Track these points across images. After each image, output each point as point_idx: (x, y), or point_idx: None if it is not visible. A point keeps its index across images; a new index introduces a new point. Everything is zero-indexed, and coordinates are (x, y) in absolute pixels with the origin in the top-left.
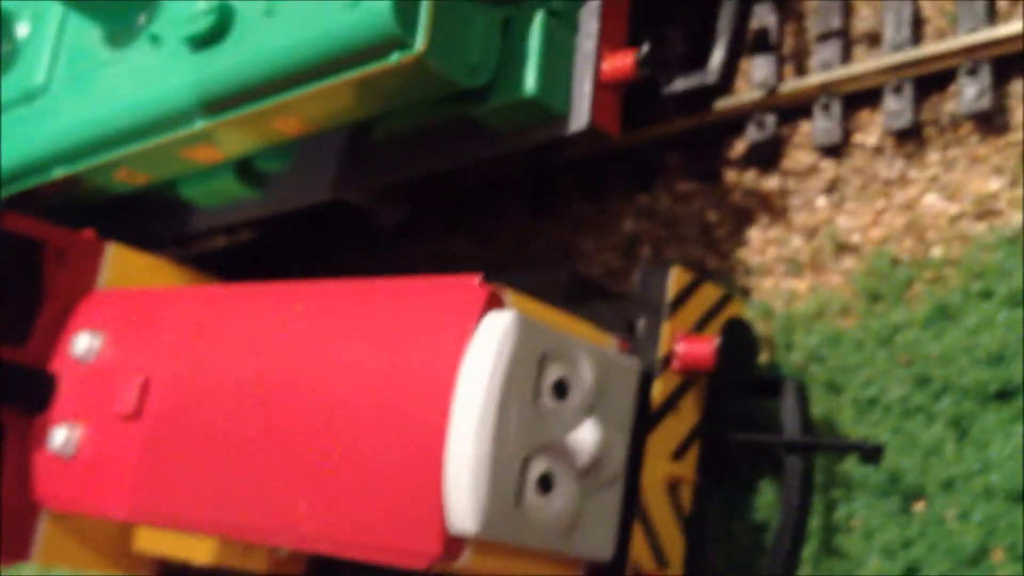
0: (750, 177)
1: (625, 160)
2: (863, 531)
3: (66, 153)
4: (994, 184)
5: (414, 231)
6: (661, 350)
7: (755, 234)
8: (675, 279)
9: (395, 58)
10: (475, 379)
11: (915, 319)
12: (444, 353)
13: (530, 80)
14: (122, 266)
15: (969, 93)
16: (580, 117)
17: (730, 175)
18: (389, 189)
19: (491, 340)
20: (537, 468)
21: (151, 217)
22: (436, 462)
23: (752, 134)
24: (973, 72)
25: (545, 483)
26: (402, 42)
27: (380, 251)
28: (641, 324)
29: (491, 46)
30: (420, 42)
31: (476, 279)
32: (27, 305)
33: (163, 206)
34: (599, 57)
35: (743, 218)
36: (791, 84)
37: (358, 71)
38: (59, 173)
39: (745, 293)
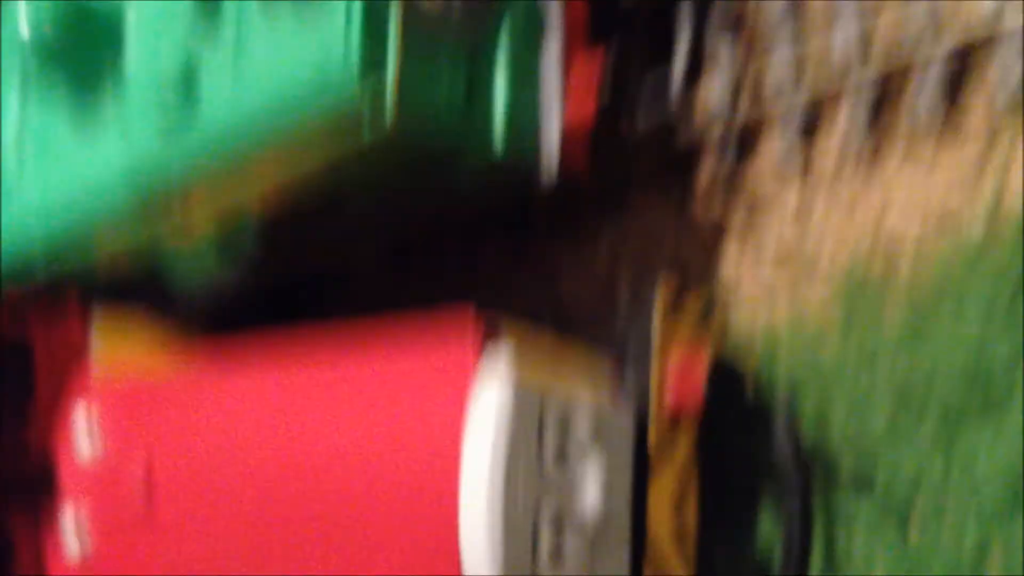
0: (717, 204)
1: (594, 191)
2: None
3: (44, 244)
4: (955, 198)
5: (393, 278)
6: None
7: (727, 260)
8: (661, 296)
9: (364, 121)
10: (478, 461)
11: (891, 338)
12: (446, 425)
13: (498, 133)
14: (110, 332)
15: (923, 104)
16: (550, 164)
17: (698, 203)
18: (364, 255)
19: (489, 420)
20: (547, 535)
21: (136, 299)
22: (452, 547)
23: (716, 159)
24: (925, 83)
25: (556, 550)
26: (369, 101)
27: (360, 302)
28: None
29: (456, 100)
30: (388, 104)
31: (469, 319)
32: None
33: (147, 287)
34: (564, 102)
35: (714, 246)
36: (748, 110)
37: (328, 131)
38: (37, 260)
39: (723, 321)
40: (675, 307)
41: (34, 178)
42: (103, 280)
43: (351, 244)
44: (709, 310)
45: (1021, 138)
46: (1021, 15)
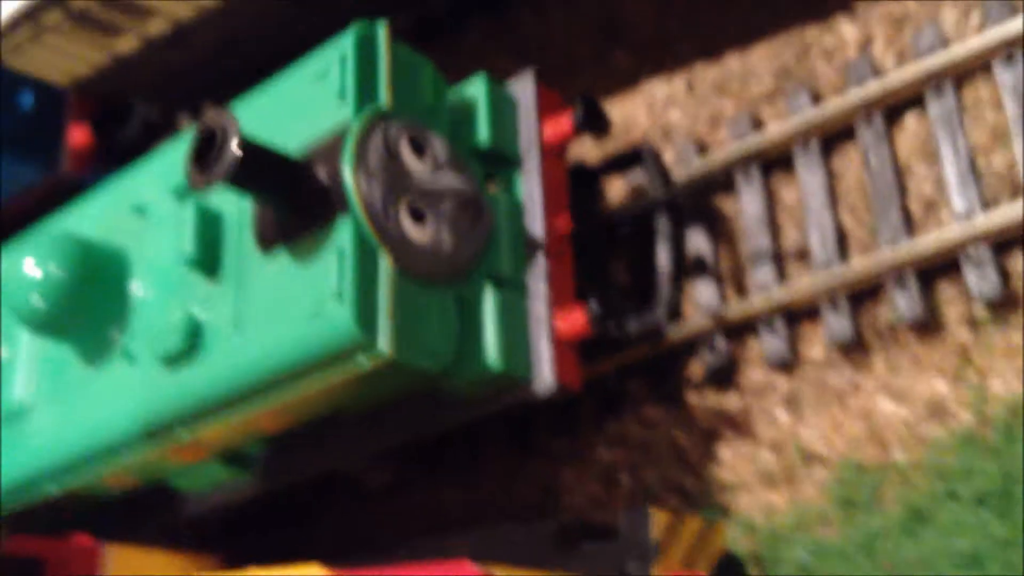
0: (711, 397)
1: (590, 391)
2: None
3: (54, 471)
4: (940, 386)
5: (400, 485)
6: None
7: (725, 452)
8: (656, 522)
9: (362, 361)
10: None
11: (891, 525)
12: None
13: (491, 354)
14: (121, 567)
15: (901, 303)
16: (544, 380)
17: (692, 397)
18: (368, 459)
19: None
20: None
21: (144, 507)
22: None
23: (706, 356)
24: (901, 282)
25: None
26: (366, 346)
27: (370, 507)
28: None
29: (449, 328)
30: (384, 344)
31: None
32: None
33: (155, 495)
34: (552, 317)
35: (711, 437)
36: (735, 307)
37: (327, 376)
38: (49, 490)
39: (725, 511)
40: (672, 530)
41: (44, 406)
42: (112, 495)
43: (351, 452)
44: (707, 530)
45: (1004, 329)
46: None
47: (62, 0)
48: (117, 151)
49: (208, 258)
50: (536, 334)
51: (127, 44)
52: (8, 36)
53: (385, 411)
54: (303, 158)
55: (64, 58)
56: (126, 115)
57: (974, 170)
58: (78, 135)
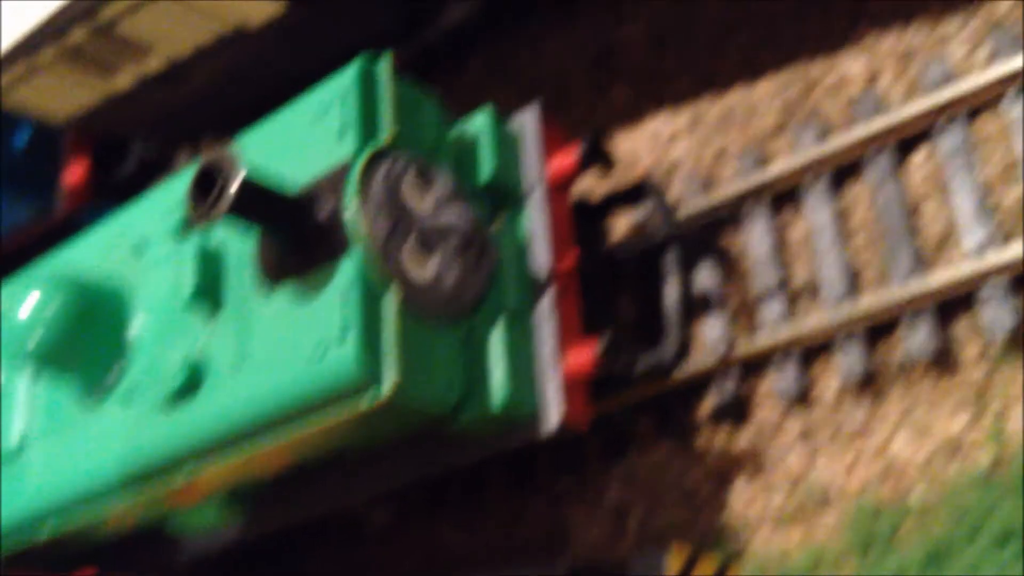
0: (721, 436)
1: (597, 429)
2: None
3: (51, 512)
4: (957, 424)
5: (402, 524)
6: None
7: (737, 492)
8: (670, 564)
9: (366, 403)
10: None
11: (909, 567)
12: None
13: (497, 393)
14: None
15: (915, 340)
16: (551, 418)
17: (701, 436)
18: (370, 499)
19: None
20: None
21: (142, 549)
22: None
23: (716, 394)
24: (914, 319)
25: None
26: (371, 386)
27: (369, 547)
28: None
29: (455, 366)
30: (389, 385)
31: None
32: None
33: (153, 538)
34: (559, 355)
35: (722, 477)
36: (744, 344)
37: (331, 417)
38: (46, 532)
39: (738, 553)
40: (686, 572)
41: (41, 446)
42: (109, 537)
43: (351, 493)
44: (722, 572)
45: (1021, 365)
46: (1004, 251)
47: (56, 37)
48: (113, 189)
49: (208, 296)
50: (543, 371)
51: (123, 82)
52: (1, 75)
53: (387, 451)
54: (306, 195)
55: (59, 96)
56: (122, 153)
57: (986, 205)
58: (74, 173)
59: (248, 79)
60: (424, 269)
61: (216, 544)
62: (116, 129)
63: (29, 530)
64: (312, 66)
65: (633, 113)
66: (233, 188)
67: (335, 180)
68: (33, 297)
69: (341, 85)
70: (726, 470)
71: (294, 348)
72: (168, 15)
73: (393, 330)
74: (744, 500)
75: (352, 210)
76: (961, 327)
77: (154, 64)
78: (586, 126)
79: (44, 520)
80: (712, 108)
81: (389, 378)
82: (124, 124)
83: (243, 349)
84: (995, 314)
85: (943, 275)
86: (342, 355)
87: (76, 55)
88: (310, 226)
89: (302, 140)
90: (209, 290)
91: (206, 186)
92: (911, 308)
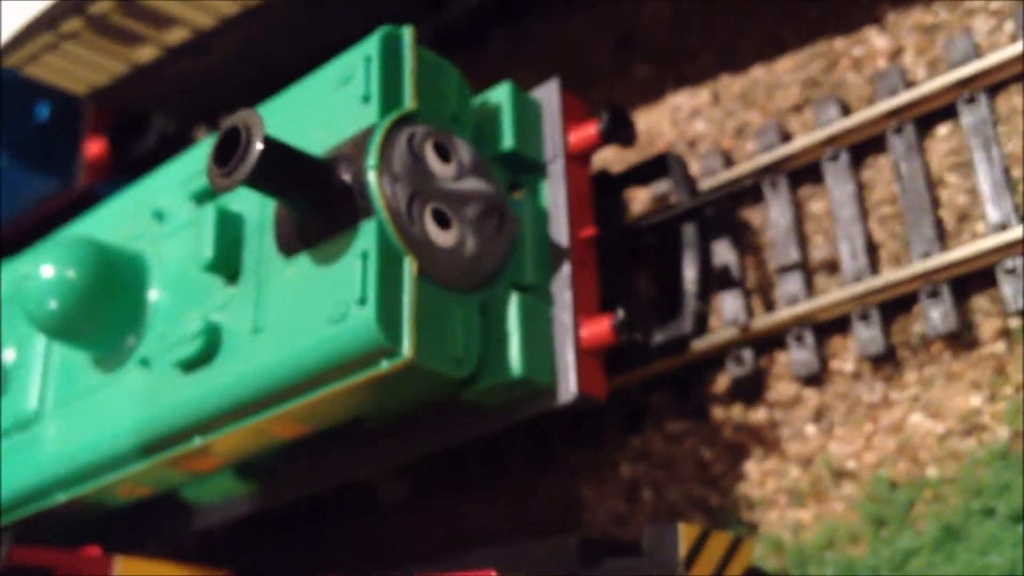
0: (737, 411)
1: (613, 404)
2: None
3: (64, 478)
4: (975, 400)
5: (419, 497)
6: None
7: (752, 467)
8: (684, 537)
9: (384, 366)
10: None
11: (923, 543)
12: None
13: (515, 361)
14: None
15: (935, 315)
16: (567, 388)
17: (717, 411)
18: (387, 470)
19: None
20: None
21: (155, 518)
22: None
23: (732, 370)
24: (934, 294)
25: None
26: (389, 350)
27: (386, 520)
28: None
29: (473, 334)
30: (407, 348)
31: None
32: None
33: (166, 507)
34: (577, 325)
35: (737, 453)
36: (762, 319)
37: (348, 380)
38: (59, 498)
39: (752, 528)
40: (699, 547)
41: (56, 412)
42: (122, 505)
43: (369, 464)
44: (734, 547)
45: None
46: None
47: (82, 7)
48: (134, 164)
49: (228, 262)
50: (561, 342)
51: (146, 53)
52: (26, 43)
53: (405, 422)
54: (328, 159)
55: (82, 67)
56: (143, 127)
57: (1009, 180)
58: (94, 147)
59: (270, 53)
60: (444, 236)
61: (229, 515)
62: (138, 102)
63: (41, 498)
64: (333, 42)
65: (654, 90)
66: (257, 148)
67: (357, 145)
68: (53, 261)
69: (365, 52)
70: (741, 445)
71: (314, 311)
72: None
73: (412, 295)
74: (759, 475)
75: (373, 175)
76: (981, 303)
77: (178, 35)
78: (612, 101)
79: (56, 488)
80: (734, 84)
81: (407, 341)
82: (146, 97)
83: (261, 314)
84: (1016, 290)
85: (964, 250)
86: (362, 316)
87: (101, 25)
88: (331, 190)
89: (325, 106)
90: (227, 256)
91: (229, 148)
92: (931, 283)
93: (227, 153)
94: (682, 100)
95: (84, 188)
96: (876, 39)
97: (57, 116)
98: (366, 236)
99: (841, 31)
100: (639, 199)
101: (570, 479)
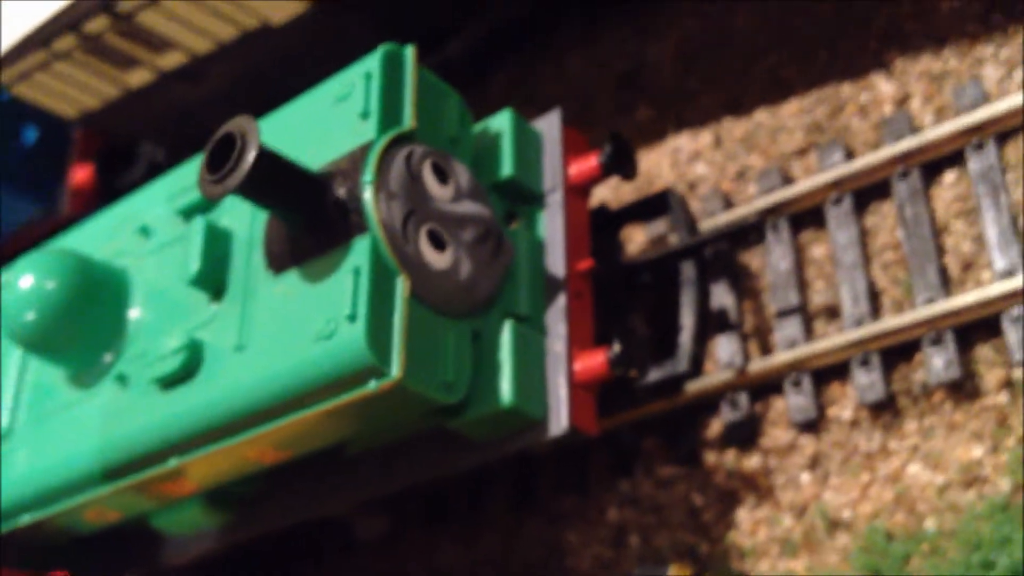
0: (730, 457)
1: (602, 446)
2: None
3: (31, 499)
4: (976, 451)
5: (395, 537)
6: None
7: (743, 515)
8: None
9: (372, 386)
10: None
11: None
12: None
13: (506, 391)
14: None
15: (937, 363)
16: (559, 422)
17: (710, 456)
18: (367, 503)
19: None
20: None
21: (125, 550)
22: None
23: (726, 414)
24: (937, 342)
25: None
26: (378, 370)
27: (361, 558)
28: None
29: (464, 360)
30: (396, 369)
31: None
32: None
33: (136, 539)
34: (571, 358)
35: (729, 500)
36: (758, 363)
37: (335, 401)
38: (25, 520)
39: None
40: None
41: (27, 429)
42: (93, 530)
43: (351, 495)
44: (724, 566)
45: None
46: None
47: (76, 24)
48: (120, 192)
49: (214, 277)
50: (554, 374)
51: (140, 77)
52: (18, 61)
53: (388, 452)
54: (324, 174)
55: (74, 88)
56: (132, 156)
57: (1016, 228)
58: (81, 174)
59: (266, 80)
60: (439, 257)
61: (199, 548)
62: (128, 129)
63: (9, 517)
64: (331, 72)
65: (655, 131)
66: (250, 156)
67: (354, 161)
68: (30, 275)
69: (365, 69)
70: (733, 492)
71: (301, 329)
72: (191, 8)
73: (403, 315)
74: (750, 524)
75: (369, 191)
76: (984, 352)
77: (173, 60)
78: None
79: (26, 507)
80: (737, 127)
81: (397, 361)
82: (137, 124)
83: (247, 331)
84: (1020, 338)
85: (969, 297)
86: (352, 333)
87: (95, 46)
88: (325, 204)
89: (323, 122)
90: (214, 271)
91: (223, 155)
92: (934, 330)
93: (220, 160)
94: (683, 142)
95: (68, 215)
96: (883, 85)
97: (44, 141)
98: (359, 252)
99: (848, 76)
100: (635, 240)
101: (555, 522)
